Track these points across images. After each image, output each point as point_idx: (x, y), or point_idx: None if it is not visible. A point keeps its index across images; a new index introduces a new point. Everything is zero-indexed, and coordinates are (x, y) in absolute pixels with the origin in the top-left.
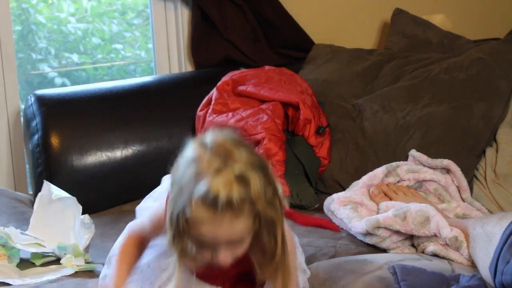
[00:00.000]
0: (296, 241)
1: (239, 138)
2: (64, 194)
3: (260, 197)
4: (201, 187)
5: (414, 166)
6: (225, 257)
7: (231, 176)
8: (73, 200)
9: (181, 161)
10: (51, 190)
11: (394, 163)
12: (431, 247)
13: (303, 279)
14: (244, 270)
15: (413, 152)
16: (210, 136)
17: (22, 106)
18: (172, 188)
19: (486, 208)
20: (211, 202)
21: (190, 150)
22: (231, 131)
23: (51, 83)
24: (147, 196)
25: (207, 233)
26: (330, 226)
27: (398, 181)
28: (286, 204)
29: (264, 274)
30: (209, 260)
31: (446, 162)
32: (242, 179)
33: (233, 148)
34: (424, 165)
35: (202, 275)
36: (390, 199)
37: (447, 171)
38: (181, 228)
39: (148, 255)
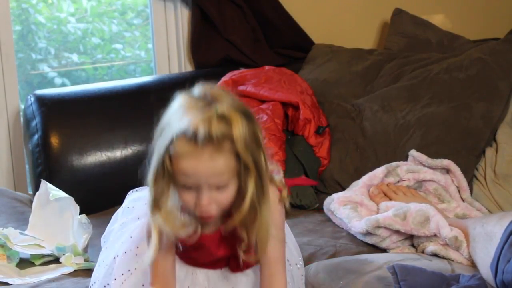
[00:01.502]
0: (292, 237)
1: (228, 91)
2: (62, 194)
3: (241, 138)
4: (183, 123)
5: (414, 166)
6: (208, 201)
7: (213, 113)
8: (70, 200)
9: (167, 110)
10: (48, 189)
11: (394, 163)
12: (431, 247)
13: (298, 275)
14: (231, 253)
15: (413, 152)
16: (197, 87)
17: (22, 106)
18: (157, 132)
19: (486, 208)
20: (191, 136)
21: (177, 99)
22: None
23: (51, 83)
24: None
25: (189, 168)
26: (307, 182)
27: (398, 181)
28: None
29: (242, 227)
30: (192, 206)
31: (446, 162)
32: (223, 117)
33: (219, 93)
34: (424, 165)
35: (189, 259)
36: (390, 199)
37: (447, 171)
38: (166, 170)
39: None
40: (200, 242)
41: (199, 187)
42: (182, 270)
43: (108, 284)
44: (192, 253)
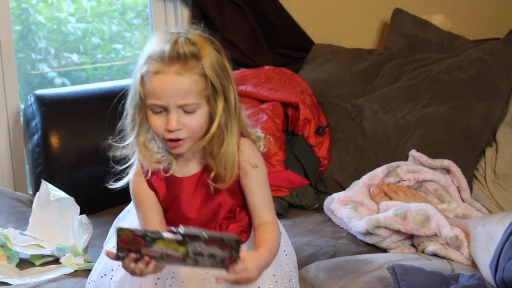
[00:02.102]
0: (286, 237)
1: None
2: (62, 194)
3: (208, 59)
4: (154, 46)
5: (414, 166)
6: (176, 124)
7: (182, 36)
8: (71, 200)
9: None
10: (49, 190)
11: (394, 163)
12: (431, 246)
13: (289, 275)
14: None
15: (413, 152)
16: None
17: (22, 106)
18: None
19: (486, 208)
20: (160, 54)
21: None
22: None
23: (50, 83)
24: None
25: (157, 86)
26: (297, 179)
27: (398, 181)
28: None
29: (209, 155)
30: (161, 132)
31: (446, 163)
32: (191, 40)
33: (192, 29)
34: (424, 165)
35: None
36: (391, 199)
37: (447, 171)
38: (139, 94)
39: None
40: (175, 194)
41: (167, 109)
42: None
43: (105, 274)
44: (168, 215)
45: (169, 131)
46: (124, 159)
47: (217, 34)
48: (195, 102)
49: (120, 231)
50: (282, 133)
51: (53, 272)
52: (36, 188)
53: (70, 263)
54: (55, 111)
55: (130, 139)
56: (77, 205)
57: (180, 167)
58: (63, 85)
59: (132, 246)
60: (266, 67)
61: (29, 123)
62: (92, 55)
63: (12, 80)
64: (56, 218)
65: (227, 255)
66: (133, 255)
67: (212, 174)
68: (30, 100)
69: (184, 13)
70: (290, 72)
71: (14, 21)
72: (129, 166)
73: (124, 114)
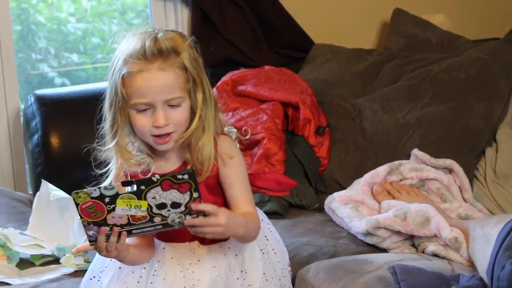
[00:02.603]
0: (278, 236)
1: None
2: (62, 194)
3: (186, 52)
4: (132, 45)
5: (417, 165)
6: (164, 119)
7: (159, 32)
8: (71, 200)
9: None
10: (49, 189)
11: (396, 162)
12: (431, 247)
13: (280, 273)
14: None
15: (415, 151)
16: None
17: (22, 106)
18: (108, 70)
19: (486, 208)
20: (141, 52)
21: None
22: None
23: (51, 83)
24: None
25: (142, 84)
26: (285, 180)
27: (401, 180)
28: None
29: (186, 149)
30: (148, 130)
31: (449, 162)
32: (168, 36)
33: (162, 27)
34: (427, 165)
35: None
36: (393, 197)
37: (450, 171)
38: (120, 95)
39: None
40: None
41: (154, 107)
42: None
43: (94, 276)
44: None
45: (157, 128)
46: (104, 163)
47: (217, 34)
48: (180, 96)
49: (76, 197)
50: (282, 133)
51: (53, 272)
52: (36, 188)
53: (70, 263)
54: (55, 111)
55: (111, 144)
56: None
57: (159, 166)
58: (63, 85)
59: (96, 216)
60: (266, 67)
61: (29, 123)
62: (92, 55)
63: (12, 80)
64: (56, 218)
65: (188, 199)
66: (103, 228)
67: (189, 167)
68: (30, 100)
69: (184, 13)
70: (290, 72)
71: (14, 21)
72: (108, 170)
73: (103, 119)
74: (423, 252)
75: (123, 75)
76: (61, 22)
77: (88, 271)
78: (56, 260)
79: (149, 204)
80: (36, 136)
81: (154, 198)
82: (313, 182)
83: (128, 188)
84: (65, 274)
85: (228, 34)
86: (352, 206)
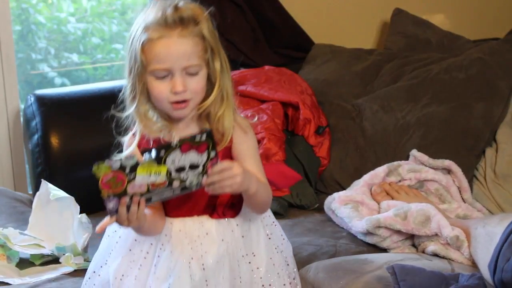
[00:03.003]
0: (282, 231)
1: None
2: (62, 193)
3: (205, 22)
4: (153, 13)
5: (415, 166)
6: (182, 85)
7: (181, 3)
8: (71, 199)
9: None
10: (49, 189)
11: (395, 162)
12: (431, 246)
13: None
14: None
15: (414, 152)
16: None
17: (22, 106)
18: (127, 39)
19: (486, 208)
20: (161, 19)
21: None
22: None
23: (50, 83)
24: None
25: (161, 50)
26: (290, 173)
27: (400, 181)
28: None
29: (205, 119)
30: (166, 97)
31: (447, 163)
32: (187, 6)
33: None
34: (426, 165)
35: (173, 206)
36: (392, 198)
37: (448, 171)
38: (140, 62)
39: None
40: None
41: (172, 73)
42: None
43: (94, 272)
44: None
45: (175, 94)
46: (125, 131)
47: (217, 34)
48: (198, 64)
49: (97, 171)
50: (282, 133)
51: (53, 272)
52: (36, 188)
53: (69, 263)
54: (55, 111)
55: (130, 110)
56: (77, 205)
57: (179, 134)
58: (63, 85)
59: (116, 188)
60: (266, 67)
61: (29, 123)
62: (92, 55)
63: (12, 80)
64: (56, 217)
65: (205, 159)
66: (123, 200)
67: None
68: (30, 100)
69: None
70: (290, 72)
71: (14, 21)
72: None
73: (124, 85)
74: (423, 252)
75: (143, 42)
76: (61, 22)
77: (89, 268)
78: (56, 260)
79: (168, 169)
80: (36, 136)
81: (173, 162)
82: (313, 182)
83: (147, 156)
84: (64, 274)
85: (228, 34)
86: (351, 206)
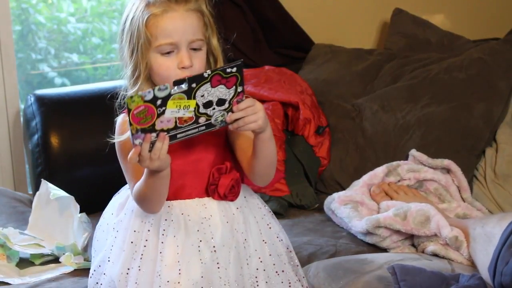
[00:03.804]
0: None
1: None
2: (62, 193)
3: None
4: None
5: (415, 166)
6: (189, 59)
7: None
8: (71, 199)
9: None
10: (49, 189)
11: (394, 163)
12: (431, 246)
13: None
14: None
15: (413, 152)
16: None
17: (22, 106)
18: (122, 20)
19: (486, 208)
20: None
21: None
22: None
23: (51, 83)
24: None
25: (168, 24)
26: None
27: (399, 181)
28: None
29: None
30: (173, 71)
31: (447, 162)
32: None
33: None
34: (425, 165)
35: (173, 187)
36: (391, 198)
37: (447, 171)
38: (144, 38)
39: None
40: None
41: (178, 48)
42: None
43: (100, 266)
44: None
45: (183, 68)
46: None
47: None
48: (202, 38)
49: (130, 102)
50: (282, 133)
51: (52, 271)
52: (36, 188)
53: (69, 262)
54: (55, 111)
55: (133, 90)
56: (77, 204)
57: None
58: (63, 85)
59: (146, 122)
60: (266, 67)
61: (29, 123)
62: (92, 55)
63: (12, 80)
64: (56, 217)
65: (233, 94)
66: (148, 136)
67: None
68: (30, 100)
69: None
70: (290, 72)
71: (14, 21)
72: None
73: (124, 66)
74: (423, 252)
75: (147, 18)
76: (61, 22)
77: (92, 264)
78: (56, 259)
79: (197, 104)
80: (36, 136)
81: (202, 96)
82: (313, 182)
83: (178, 88)
84: (64, 273)
85: (228, 34)
86: (351, 207)
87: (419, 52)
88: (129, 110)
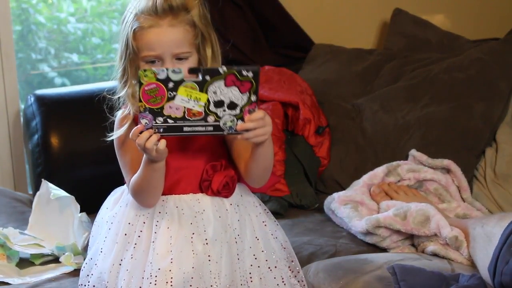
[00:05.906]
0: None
1: None
2: (63, 193)
3: (196, 10)
4: (146, 3)
5: (414, 166)
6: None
7: None
8: (71, 199)
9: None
10: (49, 189)
11: (394, 163)
12: (431, 246)
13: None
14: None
15: (413, 152)
16: None
17: (22, 106)
18: (120, 25)
19: (486, 208)
20: (152, 8)
21: None
22: None
23: (51, 83)
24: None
25: (152, 38)
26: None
27: (399, 181)
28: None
29: None
30: None
31: (446, 162)
32: None
33: None
34: (425, 165)
35: (168, 182)
36: (391, 198)
37: (447, 171)
38: (131, 48)
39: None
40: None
41: (162, 59)
42: None
43: (91, 258)
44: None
45: None
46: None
47: (217, 34)
48: (188, 51)
49: (143, 76)
50: (282, 133)
51: (53, 271)
52: (36, 188)
53: (69, 262)
54: (55, 111)
55: (122, 92)
56: (77, 204)
57: None
58: (63, 85)
59: (155, 102)
60: (266, 67)
61: (29, 123)
62: (92, 55)
63: (12, 80)
64: (56, 217)
65: (245, 101)
66: (156, 119)
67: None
68: (30, 100)
69: None
70: (290, 72)
71: (14, 21)
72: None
73: (115, 68)
74: (423, 251)
75: (134, 29)
76: (61, 22)
77: (86, 261)
78: (56, 259)
79: (208, 99)
80: (36, 136)
81: (215, 93)
82: (313, 182)
83: (192, 77)
84: (64, 273)
85: (228, 34)
86: (351, 207)
87: (419, 52)
88: (140, 84)
